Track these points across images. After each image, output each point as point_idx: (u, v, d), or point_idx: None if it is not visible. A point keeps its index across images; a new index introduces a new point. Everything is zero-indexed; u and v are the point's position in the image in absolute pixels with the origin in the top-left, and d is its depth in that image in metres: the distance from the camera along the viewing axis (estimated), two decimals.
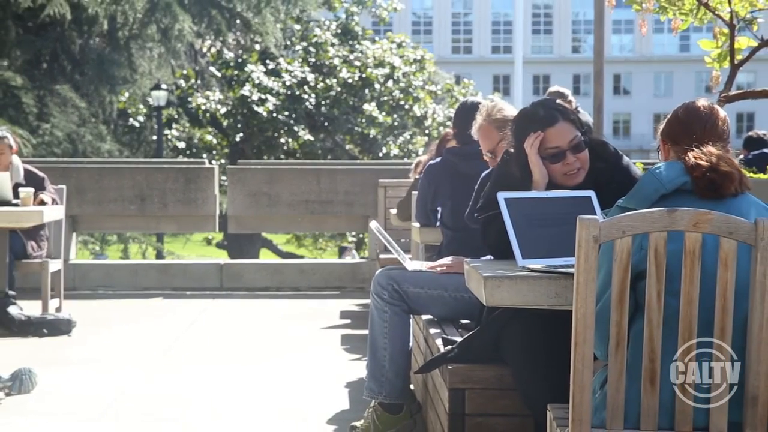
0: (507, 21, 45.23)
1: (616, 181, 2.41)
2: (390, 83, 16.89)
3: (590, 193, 2.30)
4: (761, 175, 3.00)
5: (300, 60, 16.93)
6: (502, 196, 2.21)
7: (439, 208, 3.62)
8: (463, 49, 47.35)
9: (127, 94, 14.13)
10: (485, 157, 3.04)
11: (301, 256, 17.93)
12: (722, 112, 2.03)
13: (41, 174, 5.36)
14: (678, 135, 2.00)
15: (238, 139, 16.80)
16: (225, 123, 16.97)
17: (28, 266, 5.28)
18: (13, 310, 5.02)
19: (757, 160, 6.57)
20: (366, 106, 16.41)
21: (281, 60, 16.68)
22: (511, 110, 3.02)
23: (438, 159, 3.73)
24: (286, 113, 16.27)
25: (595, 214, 2.10)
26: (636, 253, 1.80)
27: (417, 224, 3.94)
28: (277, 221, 7.71)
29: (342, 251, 17.59)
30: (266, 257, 17.03)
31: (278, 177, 7.36)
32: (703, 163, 1.89)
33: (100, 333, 5.22)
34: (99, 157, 11.41)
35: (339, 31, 17.71)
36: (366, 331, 3.09)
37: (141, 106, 15.97)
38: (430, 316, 3.09)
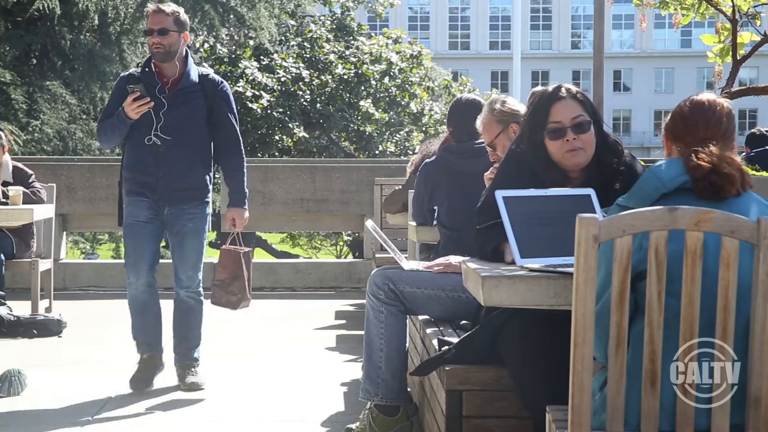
0: (505, 16, 45.14)
1: (624, 179, 2.36)
2: (386, 79, 16.82)
3: (590, 191, 2.26)
4: (764, 173, 2.96)
5: (295, 56, 16.85)
6: (500, 194, 2.17)
7: (435, 207, 3.58)
8: (461, 45, 47.31)
9: None
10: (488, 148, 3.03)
11: (296, 256, 17.89)
12: (728, 107, 1.98)
13: (29, 171, 5.31)
14: (681, 132, 1.97)
15: None
16: None
17: (17, 266, 5.23)
18: (2, 310, 4.98)
19: (759, 157, 6.51)
20: (362, 103, 16.33)
21: (275, 56, 16.59)
22: (515, 104, 3.02)
23: (434, 157, 3.68)
24: (281, 110, 16.19)
25: (595, 213, 2.06)
26: (636, 253, 1.78)
27: (414, 223, 3.90)
28: (271, 220, 7.64)
29: None
30: (260, 257, 16.98)
31: (273, 175, 7.29)
32: (705, 164, 1.86)
33: (90, 334, 5.17)
34: (90, 154, 11.32)
35: (334, 26, 17.64)
36: (362, 332, 3.05)
37: None
38: (427, 317, 3.05)
